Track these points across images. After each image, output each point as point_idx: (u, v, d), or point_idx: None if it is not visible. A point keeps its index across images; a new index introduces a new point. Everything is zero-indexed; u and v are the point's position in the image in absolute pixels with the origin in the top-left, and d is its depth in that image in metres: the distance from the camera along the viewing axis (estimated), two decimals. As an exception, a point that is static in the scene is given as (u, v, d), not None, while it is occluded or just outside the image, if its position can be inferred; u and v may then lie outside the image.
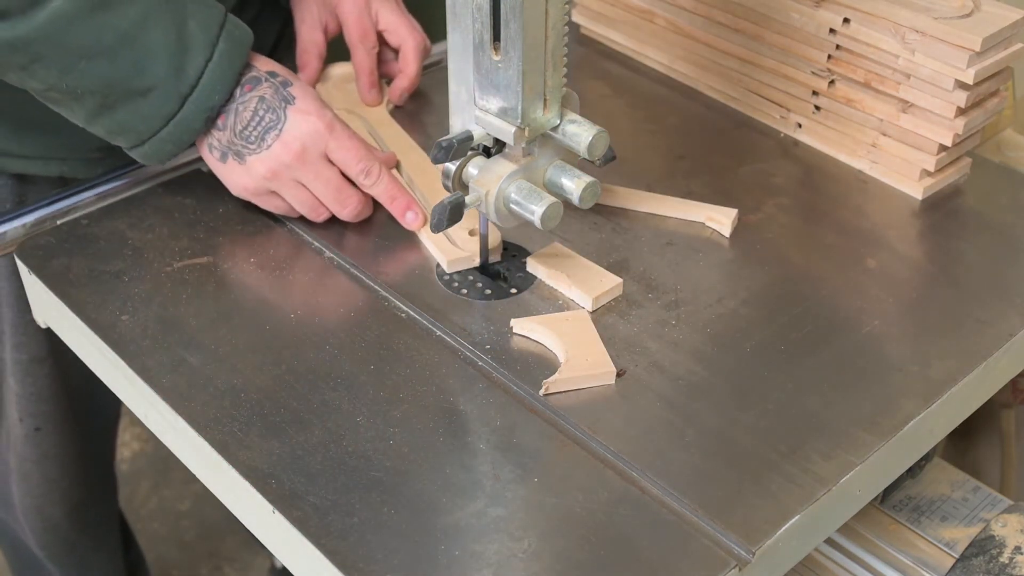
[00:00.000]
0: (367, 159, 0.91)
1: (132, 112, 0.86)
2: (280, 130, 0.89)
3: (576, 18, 1.19)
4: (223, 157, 0.90)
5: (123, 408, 1.27)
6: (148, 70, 0.84)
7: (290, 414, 0.77)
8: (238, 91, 0.88)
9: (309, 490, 0.72)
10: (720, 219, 0.93)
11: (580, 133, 0.79)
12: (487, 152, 0.81)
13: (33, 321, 0.95)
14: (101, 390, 0.91)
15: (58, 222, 0.94)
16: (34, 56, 0.81)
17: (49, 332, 0.94)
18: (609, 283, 0.86)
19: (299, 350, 0.82)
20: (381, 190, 0.92)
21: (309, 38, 1.05)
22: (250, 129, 0.88)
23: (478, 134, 0.80)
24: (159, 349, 0.82)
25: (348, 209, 0.92)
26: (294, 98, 0.89)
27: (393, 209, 0.92)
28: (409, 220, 0.92)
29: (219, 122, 0.89)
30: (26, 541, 1.31)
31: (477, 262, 0.89)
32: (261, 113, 0.89)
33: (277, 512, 0.71)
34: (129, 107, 0.86)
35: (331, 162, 0.90)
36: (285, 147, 0.88)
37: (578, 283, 0.86)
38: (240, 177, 0.90)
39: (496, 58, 0.76)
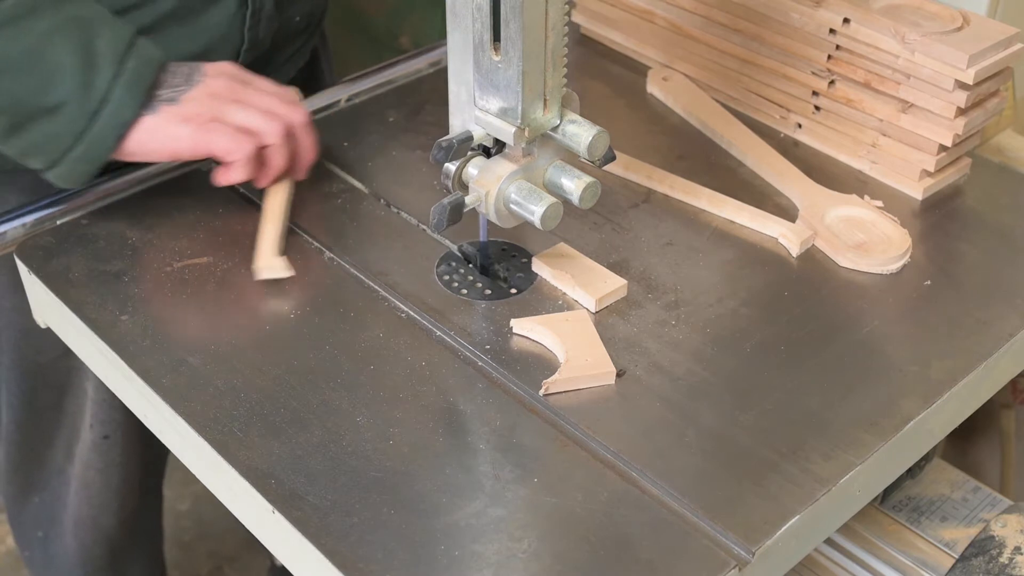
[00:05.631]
0: (290, 92, 0.93)
1: (42, 131, 0.85)
2: (202, 72, 0.90)
3: (576, 18, 1.19)
4: (153, 109, 0.87)
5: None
6: (55, 87, 0.84)
7: (290, 414, 0.77)
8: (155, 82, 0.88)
9: (309, 490, 0.72)
10: (791, 237, 0.92)
11: (580, 133, 0.79)
12: (487, 152, 0.81)
13: None
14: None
15: (58, 222, 0.94)
16: None
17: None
18: (613, 284, 0.86)
19: (299, 350, 0.82)
20: (300, 115, 0.92)
21: None
22: (171, 80, 0.88)
23: (478, 134, 0.80)
24: (159, 349, 0.82)
25: (297, 106, 0.92)
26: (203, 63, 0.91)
27: (304, 153, 0.93)
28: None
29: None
30: (66, 559, 1.29)
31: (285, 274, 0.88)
32: (174, 70, 0.89)
33: (277, 512, 0.71)
34: (39, 126, 0.85)
35: None
36: (214, 77, 0.90)
37: (582, 284, 0.86)
38: (177, 115, 0.88)
39: (496, 58, 0.76)
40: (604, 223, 0.94)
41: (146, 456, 1.25)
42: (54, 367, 1.13)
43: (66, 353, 1.08)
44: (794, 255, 0.91)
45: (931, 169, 0.96)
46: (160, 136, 0.88)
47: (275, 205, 0.93)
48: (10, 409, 1.18)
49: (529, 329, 0.83)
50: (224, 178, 0.90)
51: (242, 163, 0.89)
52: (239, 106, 0.89)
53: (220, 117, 0.88)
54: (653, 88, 1.11)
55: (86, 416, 1.16)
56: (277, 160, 0.91)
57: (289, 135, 0.91)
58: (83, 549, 1.27)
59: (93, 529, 1.26)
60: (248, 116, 0.89)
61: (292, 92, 0.95)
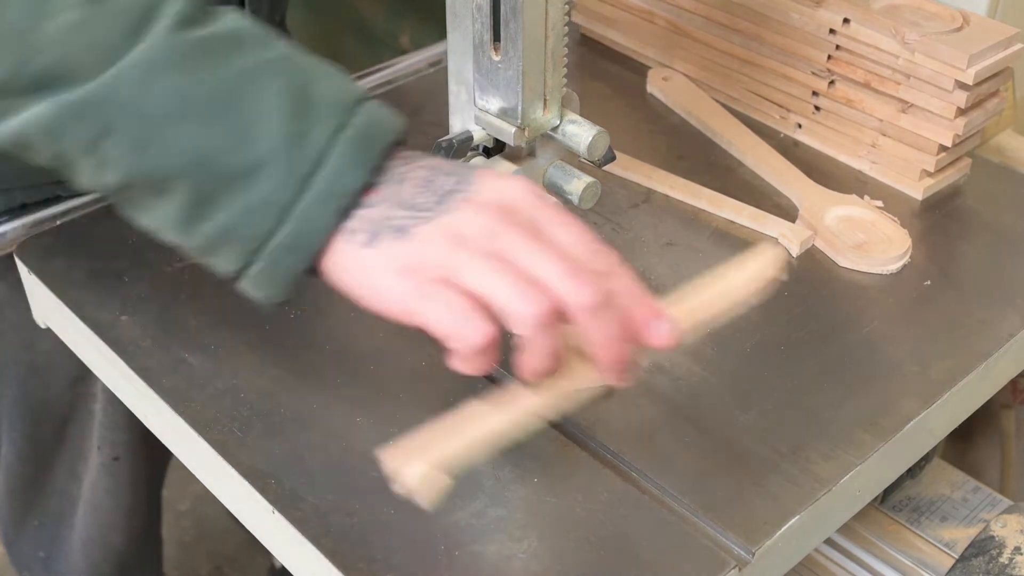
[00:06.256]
0: (597, 240, 0.62)
1: (235, 207, 0.62)
2: (469, 190, 0.62)
3: (576, 18, 1.19)
4: (371, 239, 0.61)
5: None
6: (254, 140, 0.60)
7: (290, 414, 0.77)
8: (392, 163, 0.63)
9: (309, 490, 0.72)
10: (791, 237, 0.92)
11: (580, 133, 0.79)
12: (487, 152, 0.81)
13: None
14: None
15: (58, 222, 0.94)
16: (104, 126, 0.60)
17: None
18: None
19: (299, 350, 0.82)
20: (624, 284, 0.62)
21: None
22: (421, 196, 0.62)
23: (478, 134, 0.80)
24: (159, 349, 0.82)
25: (592, 288, 0.59)
26: (478, 167, 0.65)
27: (640, 317, 0.62)
28: (664, 333, 0.63)
29: (366, 198, 0.62)
30: None
31: None
32: (433, 178, 0.63)
33: (277, 512, 0.71)
34: (231, 198, 0.61)
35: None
36: (480, 206, 0.61)
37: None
38: (397, 259, 0.61)
39: (496, 58, 0.76)
40: (604, 223, 0.94)
41: (152, 472, 1.24)
42: (58, 400, 1.12)
43: (71, 385, 1.09)
44: (794, 255, 0.91)
45: (931, 169, 0.96)
46: (364, 278, 0.62)
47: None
48: (11, 443, 1.17)
49: (529, 329, 0.83)
50: (458, 366, 0.63)
51: (471, 353, 0.61)
52: (490, 264, 0.59)
53: (452, 278, 0.60)
54: (653, 88, 1.11)
55: (93, 439, 1.15)
56: (540, 354, 0.61)
57: (596, 312, 0.59)
58: (92, 567, 1.27)
59: (103, 547, 1.25)
60: (496, 282, 0.59)
61: (598, 249, 0.62)
